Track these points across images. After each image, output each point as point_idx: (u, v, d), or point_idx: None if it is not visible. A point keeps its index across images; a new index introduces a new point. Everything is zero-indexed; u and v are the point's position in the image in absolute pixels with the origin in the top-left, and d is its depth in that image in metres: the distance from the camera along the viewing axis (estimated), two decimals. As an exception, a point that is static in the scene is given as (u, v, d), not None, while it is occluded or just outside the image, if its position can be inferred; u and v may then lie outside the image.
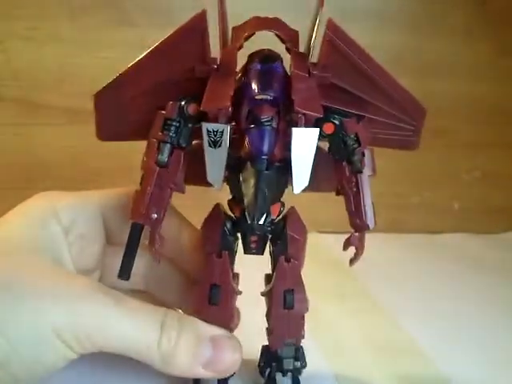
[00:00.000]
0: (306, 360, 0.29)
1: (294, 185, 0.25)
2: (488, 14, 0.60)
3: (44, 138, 0.54)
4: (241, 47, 0.26)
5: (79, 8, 0.52)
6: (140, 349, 0.25)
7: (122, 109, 0.26)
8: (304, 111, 0.23)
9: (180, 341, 0.25)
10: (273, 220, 0.27)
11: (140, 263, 0.30)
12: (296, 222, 0.28)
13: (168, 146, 0.25)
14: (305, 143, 0.24)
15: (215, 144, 0.24)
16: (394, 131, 0.27)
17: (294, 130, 0.24)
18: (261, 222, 0.25)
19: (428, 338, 0.37)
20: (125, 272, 0.26)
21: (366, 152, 0.26)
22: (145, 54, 0.25)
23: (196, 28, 0.24)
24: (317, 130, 0.24)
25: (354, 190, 0.26)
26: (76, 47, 0.53)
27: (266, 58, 0.25)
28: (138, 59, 0.26)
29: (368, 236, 0.64)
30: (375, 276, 0.49)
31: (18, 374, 0.23)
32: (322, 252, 0.54)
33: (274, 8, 0.54)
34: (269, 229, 0.27)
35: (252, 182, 0.24)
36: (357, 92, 0.26)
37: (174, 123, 0.25)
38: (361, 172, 0.26)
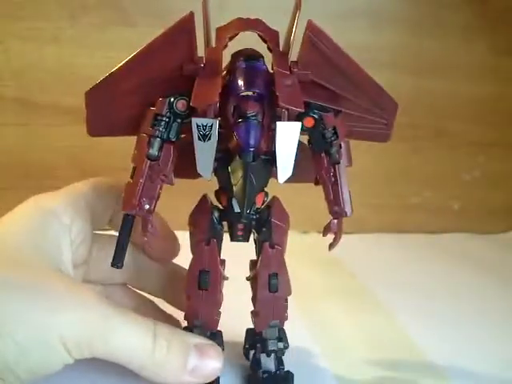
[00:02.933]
0: (304, 358, 0.31)
1: (278, 175, 0.26)
2: (488, 13, 0.60)
3: (44, 137, 0.54)
4: (225, 47, 0.27)
5: (79, 8, 0.52)
6: (135, 358, 0.25)
7: (112, 105, 0.27)
8: (287, 106, 0.25)
9: (171, 349, 0.26)
10: (257, 209, 0.29)
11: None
12: (279, 211, 0.29)
13: (158, 140, 0.26)
14: (288, 136, 0.26)
15: (204, 137, 0.25)
16: (368, 125, 0.29)
17: (278, 124, 0.25)
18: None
19: (428, 337, 0.37)
20: (118, 260, 0.27)
21: (343, 144, 0.28)
22: (135, 53, 0.27)
23: (184, 29, 0.26)
24: (299, 124, 0.26)
25: (333, 179, 0.27)
26: (76, 47, 0.53)
27: (250, 56, 0.27)
28: (128, 58, 0.27)
29: (368, 236, 0.64)
30: (375, 276, 0.49)
31: (22, 376, 0.23)
32: (322, 252, 0.54)
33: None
34: (254, 217, 0.28)
35: (240, 173, 0.26)
36: (334, 88, 0.27)
37: (164, 119, 0.26)
38: (338, 163, 0.27)
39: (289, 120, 0.25)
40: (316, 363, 0.33)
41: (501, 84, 0.62)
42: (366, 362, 0.34)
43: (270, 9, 0.55)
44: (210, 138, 0.25)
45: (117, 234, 0.28)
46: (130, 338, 0.25)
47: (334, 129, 0.27)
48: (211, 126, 0.25)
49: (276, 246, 0.29)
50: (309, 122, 0.27)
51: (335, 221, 0.28)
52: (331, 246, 0.29)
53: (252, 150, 0.25)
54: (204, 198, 0.29)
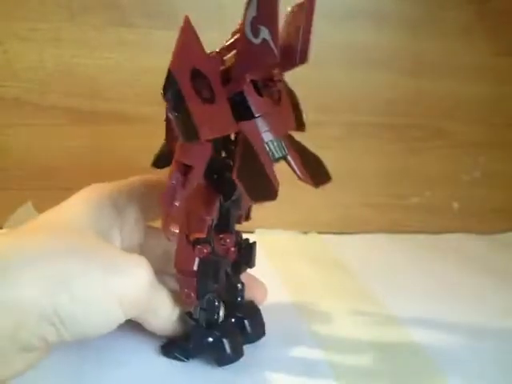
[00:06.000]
0: (303, 357, 0.31)
1: None
2: (488, 13, 0.60)
3: (44, 138, 0.54)
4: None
5: (79, 8, 0.52)
6: (161, 316, 0.31)
7: None
8: None
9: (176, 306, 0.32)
10: None
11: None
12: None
13: None
14: None
15: None
16: None
17: None
18: None
19: (427, 337, 0.37)
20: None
21: None
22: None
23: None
24: None
25: None
26: (76, 47, 0.53)
27: None
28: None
29: (368, 236, 0.64)
30: (375, 276, 0.49)
31: (86, 331, 0.27)
32: (322, 252, 0.54)
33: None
34: None
35: None
36: None
37: None
38: None
39: None
40: (315, 362, 0.33)
41: (501, 84, 0.62)
42: (366, 361, 0.34)
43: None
44: None
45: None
46: (165, 299, 0.30)
47: None
48: None
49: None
50: None
51: None
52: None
53: None
54: None
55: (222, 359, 0.31)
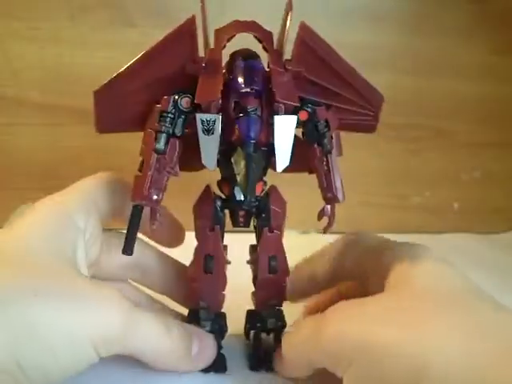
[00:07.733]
0: None
1: (277, 165, 0.28)
2: (488, 13, 0.60)
3: (44, 138, 0.54)
4: (224, 47, 0.29)
5: (79, 8, 0.52)
6: (152, 350, 0.27)
7: (120, 103, 0.29)
8: (284, 101, 0.27)
9: (180, 339, 0.28)
10: (256, 197, 0.30)
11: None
12: (277, 198, 0.31)
13: (164, 135, 0.28)
14: (285, 128, 0.28)
15: (208, 132, 0.27)
16: (356, 117, 0.31)
17: (276, 118, 0.27)
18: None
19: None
20: (128, 248, 0.29)
21: (334, 135, 0.30)
22: (140, 54, 0.28)
23: (187, 31, 0.27)
24: (295, 117, 0.28)
25: (325, 168, 0.29)
26: (76, 47, 0.53)
27: (248, 56, 0.29)
28: (134, 59, 0.28)
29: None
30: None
31: (51, 376, 0.24)
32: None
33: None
34: (254, 204, 0.30)
35: (242, 163, 0.28)
36: (325, 84, 0.29)
37: (170, 115, 0.28)
38: (330, 153, 0.29)
39: (285, 114, 0.27)
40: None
41: (501, 84, 0.62)
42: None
43: (270, 12, 0.55)
44: (213, 132, 0.27)
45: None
46: (150, 332, 0.27)
47: (326, 121, 0.29)
48: (214, 120, 0.27)
49: (274, 231, 0.31)
50: (303, 115, 0.29)
51: (328, 206, 0.30)
52: (325, 229, 0.31)
53: (253, 141, 0.27)
54: (207, 188, 0.31)
55: None
